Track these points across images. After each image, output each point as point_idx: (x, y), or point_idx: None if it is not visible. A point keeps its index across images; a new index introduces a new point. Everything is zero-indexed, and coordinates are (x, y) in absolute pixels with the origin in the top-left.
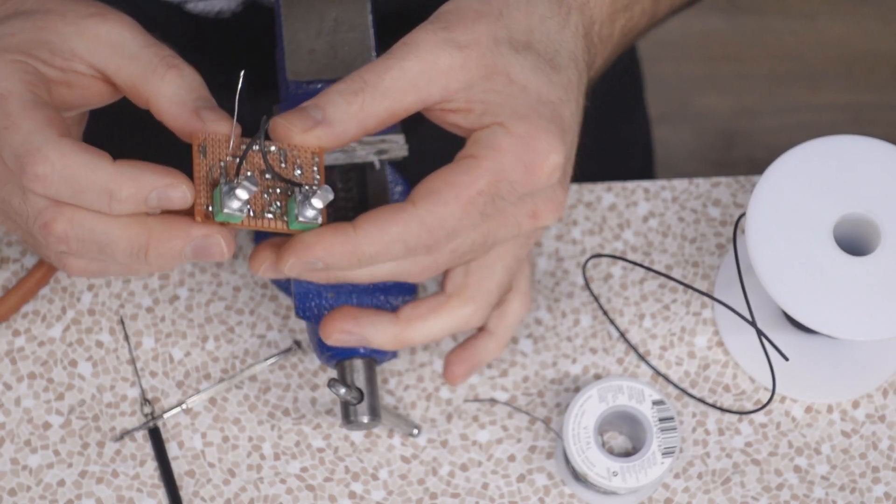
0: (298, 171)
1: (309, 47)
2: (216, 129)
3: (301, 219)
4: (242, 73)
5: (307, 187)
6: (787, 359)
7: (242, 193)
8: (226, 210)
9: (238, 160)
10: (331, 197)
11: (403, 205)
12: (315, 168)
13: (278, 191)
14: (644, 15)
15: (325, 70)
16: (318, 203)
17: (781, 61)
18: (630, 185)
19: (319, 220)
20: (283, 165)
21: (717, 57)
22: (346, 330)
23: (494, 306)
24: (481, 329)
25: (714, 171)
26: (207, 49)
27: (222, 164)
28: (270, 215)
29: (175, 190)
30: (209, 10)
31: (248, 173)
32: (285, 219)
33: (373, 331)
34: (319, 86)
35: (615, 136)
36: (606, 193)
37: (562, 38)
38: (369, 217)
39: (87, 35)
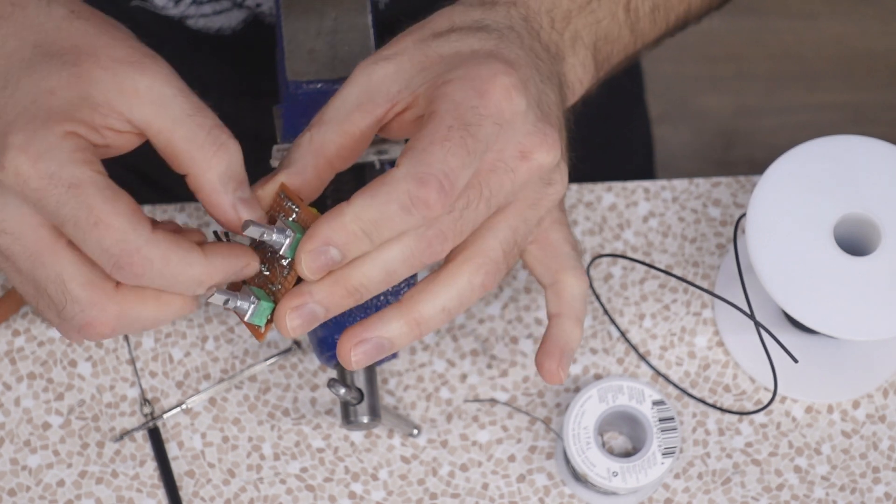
0: (294, 216)
1: (309, 47)
2: (247, 221)
3: (280, 245)
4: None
5: (282, 223)
6: (796, 360)
7: (235, 302)
8: (247, 312)
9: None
10: (258, 233)
11: (389, 170)
12: (288, 203)
13: (284, 262)
14: (618, 27)
15: (325, 70)
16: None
17: (781, 61)
18: (630, 185)
19: (289, 233)
20: (291, 219)
21: (717, 57)
22: (360, 342)
23: (505, 266)
24: (550, 318)
25: (714, 170)
26: (209, 65)
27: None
28: (286, 271)
29: (248, 269)
30: (209, 26)
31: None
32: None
33: (384, 327)
34: (319, 85)
35: (615, 136)
36: (606, 193)
37: (486, 16)
38: (360, 190)
39: (127, 90)
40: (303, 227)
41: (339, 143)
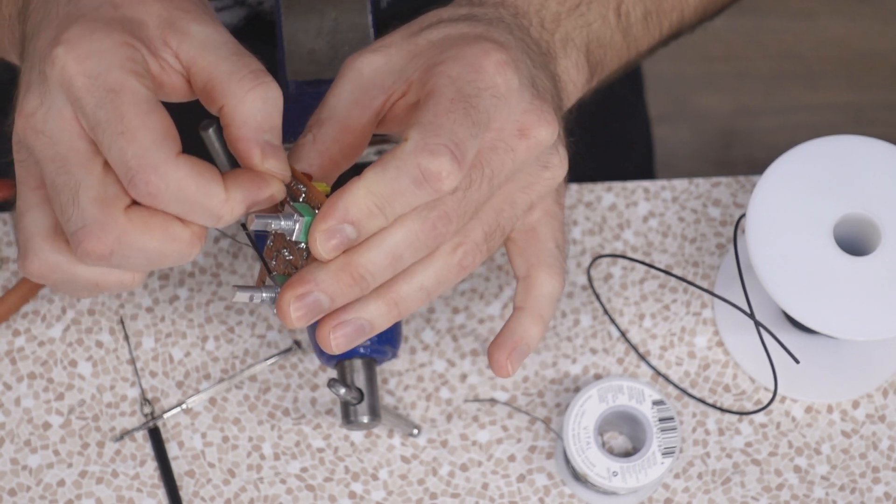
0: (303, 197)
1: (309, 47)
2: (269, 169)
3: (289, 229)
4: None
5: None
6: (797, 361)
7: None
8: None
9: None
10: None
11: (398, 144)
12: (294, 184)
13: (301, 246)
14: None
15: (325, 70)
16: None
17: (781, 61)
18: (630, 184)
19: (297, 217)
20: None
21: (717, 56)
22: (339, 325)
23: (485, 248)
24: (513, 310)
25: (714, 170)
26: None
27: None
28: (306, 255)
29: (267, 193)
30: None
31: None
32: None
33: (363, 308)
34: (320, 86)
35: (615, 136)
36: (606, 193)
37: (474, 11)
38: (371, 165)
39: (179, 29)
40: (312, 209)
41: (342, 140)
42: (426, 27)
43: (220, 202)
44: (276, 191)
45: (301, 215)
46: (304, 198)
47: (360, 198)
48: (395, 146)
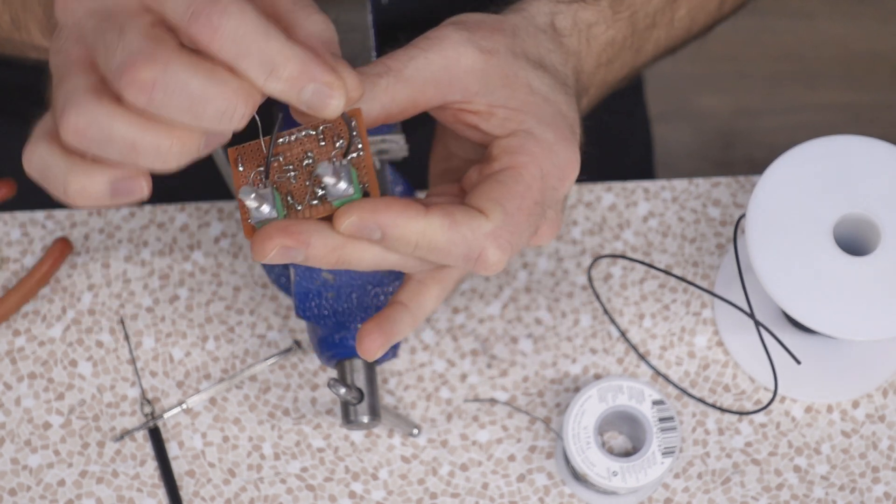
0: (340, 142)
1: None
2: (344, 78)
3: (336, 195)
4: (281, 115)
5: (336, 163)
6: (799, 362)
7: (256, 202)
8: (255, 217)
9: (264, 166)
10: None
11: (477, 215)
12: (355, 133)
13: (319, 191)
14: (624, 67)
15: None
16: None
17: (781, 61)
18: (630, 185)
19: (351, 190)
20: (321, 144)
21: (717, 56)
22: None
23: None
24: (395, 302)
25: (714, 170)
26: None
27: (260, 169)
28: (316, 201)
29: (333, 97)
30: None
31: (263, 178)
32: (329, 201)
33: (316, 237)
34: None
35: (615, 136)
36: (606, 193)
37: (566, 71)
38: (446, 210)
39: None
40: (359, 176)
41: (404, 106)
42: (530, 60)
43: (278, 49)
44: (338, 89)
45: (351, 187)
46: (354, 158)
47: (412, 231)
48: (474, 214)
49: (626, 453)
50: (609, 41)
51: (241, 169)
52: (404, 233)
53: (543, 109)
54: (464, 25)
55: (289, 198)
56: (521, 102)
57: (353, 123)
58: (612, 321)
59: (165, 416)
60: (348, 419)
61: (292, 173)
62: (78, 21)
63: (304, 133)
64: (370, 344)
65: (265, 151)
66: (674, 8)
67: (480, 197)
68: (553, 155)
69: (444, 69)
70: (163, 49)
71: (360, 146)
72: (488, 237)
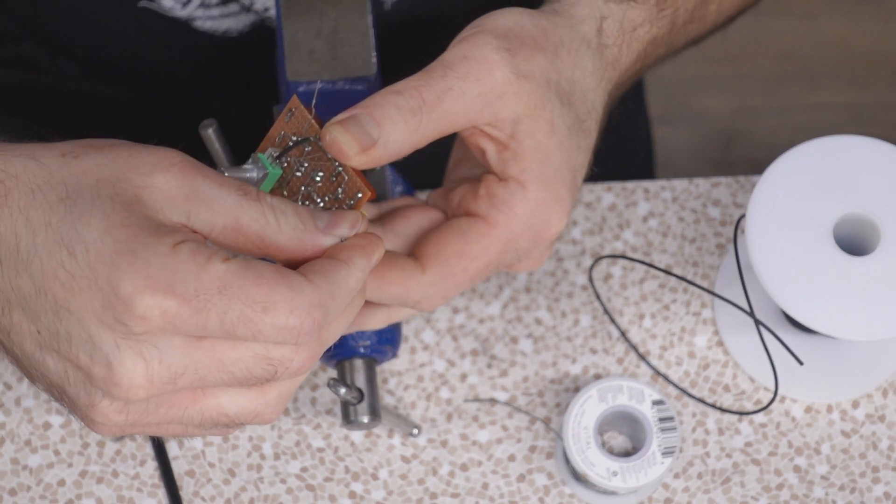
0: (340, 189)
1: (309, 47)
2: (340, 234)
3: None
4: (319, 84)
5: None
6: (801, 362)
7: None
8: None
9: (286, 148)
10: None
11: (413, 268)
12: (357, 181)
13: (334, 179)
14: (656, 61)
15: (325, 70)
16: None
17: (781, 61)
18: (630, 185)
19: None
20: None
21: (717, 57)
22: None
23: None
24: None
25: (714, 171)
26: (213, 67)
27: (292, 136)
28: (321, 203)
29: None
30: (216, 28)
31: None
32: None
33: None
34: (319, 86)
35: (615, 136)
36: (606, 193)
37: (595, 97)
38: (379, 268)
39: (176, 198)
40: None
41: (430, 139)
42: (559, 95)
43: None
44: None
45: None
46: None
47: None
48: (410, 272)
49: (626, 453)
50: (651, 40)
51: (286, 122)
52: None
53: (551, 160)
54: (506, 42)
55: (284, 192)
56: (536, 145)
57: (359, 196)
58: (612, 321)
59: None
60: (348, 419)
61: (298, 173)
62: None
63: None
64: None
65: (293, 138)
66: (707, 2)
67: (432, 247)
68: (532, 218)
69: (478, 97)
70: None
71: (359, 194)
72: (420, 294)
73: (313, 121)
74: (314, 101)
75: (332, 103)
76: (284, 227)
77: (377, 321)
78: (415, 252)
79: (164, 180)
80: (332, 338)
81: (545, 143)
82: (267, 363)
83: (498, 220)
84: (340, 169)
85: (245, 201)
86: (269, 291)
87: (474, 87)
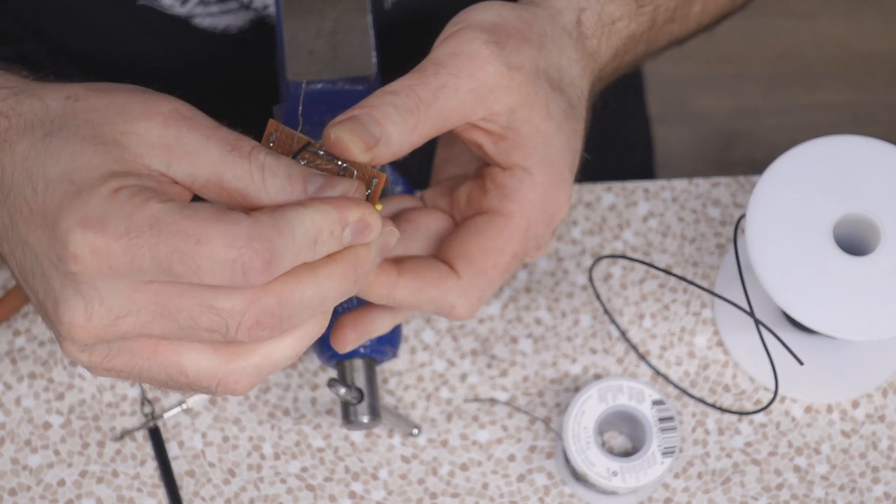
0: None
1: (309, 47)
2: (330, 194)
3: None
4: (305, 82)
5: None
6: (801, 363)
7: None
8: None
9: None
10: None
11: (448, 271)
12: (370, 192)
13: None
14: (636, 58)
15: (325, 70)
16: None
17: (781, 61)
18: (630, 185)
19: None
20: (339, 163)
21: (717, 57)
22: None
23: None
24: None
25: (714, 170)
26: (212, 64)
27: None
28: None
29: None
30: (215, 25)
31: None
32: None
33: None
34: (320, 86)
35: (615, 136)
36: (606, 193)
37: (582, 84)
38: (415, 269)
39: (156, 146)
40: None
41: (427, 138)
42: (552, 81)
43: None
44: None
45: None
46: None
47: (382, 297)
48: (444, 274)
49: (626, 453)
50: (629, 35)
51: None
52: (376, 298)
53: (552, 142)
54: (493, 35)
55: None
56: (535, 130)
57: (375, 182)
58: (612, 321)
59: (165, 415)
60: (348, 419)
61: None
62: (126, 333)
63: (321, 152)
64: (343, 338)
65: (293, 147)
66: (691, 3)
67: (457, 249)
68: (544, 202)
69: (471, 93)
70: (238, 356)
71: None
72: (458, 295)
73: (299, 135)
74: (300, 109)
75: (332, 103)
76: (269, 187)
77: (384, 325)
78: (439, 258)
79: (146, 128)
80: (302, 307)
81: (544, 127)
82: (213, 313)
83: (513, 209)
84: (346, 165)
85: (231, 157)
86: (202, 224)
87: (467, 84)
